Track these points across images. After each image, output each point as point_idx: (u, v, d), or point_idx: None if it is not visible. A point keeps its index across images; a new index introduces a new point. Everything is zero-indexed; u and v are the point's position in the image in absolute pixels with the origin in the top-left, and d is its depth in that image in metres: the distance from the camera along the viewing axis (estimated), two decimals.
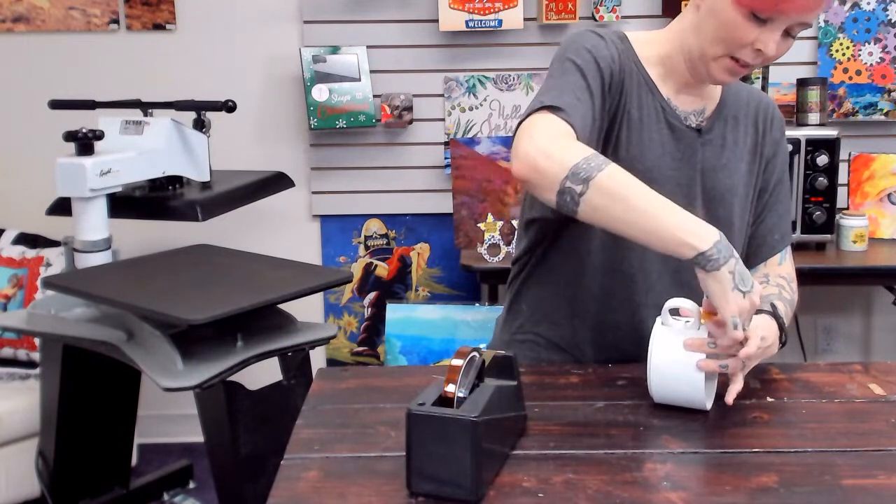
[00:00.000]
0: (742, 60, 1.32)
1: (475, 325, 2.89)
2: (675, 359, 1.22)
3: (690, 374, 1.22)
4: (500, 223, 2.81)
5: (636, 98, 1.40)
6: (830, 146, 2.69)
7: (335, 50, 3.05)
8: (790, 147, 2.68)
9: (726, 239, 1.19)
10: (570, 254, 1.45)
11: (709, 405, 1.25)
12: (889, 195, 2.93)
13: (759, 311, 1.32)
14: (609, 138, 1.38)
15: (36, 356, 2.80)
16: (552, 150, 1.21)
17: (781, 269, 1.52)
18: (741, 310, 1.18)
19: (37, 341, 2.71)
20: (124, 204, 2.41)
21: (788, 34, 1.31)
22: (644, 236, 1.19)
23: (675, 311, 1.27)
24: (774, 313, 1.34)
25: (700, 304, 1.25)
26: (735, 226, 1.46)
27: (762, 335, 1.25)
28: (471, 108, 3.11)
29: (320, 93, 3.02)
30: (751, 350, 1.21)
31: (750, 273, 1.23)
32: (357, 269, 3.24)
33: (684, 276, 1.40)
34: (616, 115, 1.38)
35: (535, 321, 1.52)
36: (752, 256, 1.53)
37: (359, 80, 3.05)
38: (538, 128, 1.24)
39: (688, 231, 1.17)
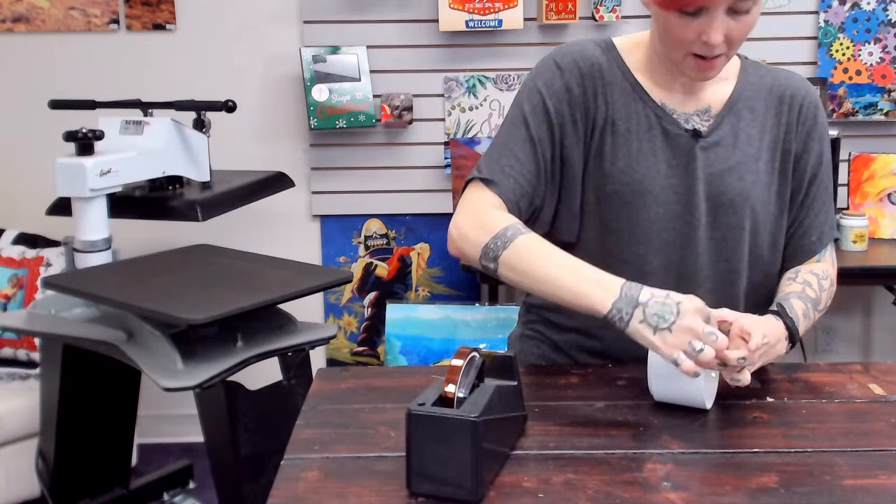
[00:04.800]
0: (702, 55, 1.28)
1: (475, 325, 2.89)
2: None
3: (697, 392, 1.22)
4: None
5: (622, 108, 1.38)
6: (830, 146, 2.68)
7: (335, 50, 3.05)
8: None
9: (630, 287, 1.20)
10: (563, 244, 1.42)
11: (709, 405, 1.25)
12: (889, 195, 2.93)
13: (767, 313, 1.31)
14: (597, 152, 1.37)
15: (36, 356, 2.80)
16: (468, 232, 1.31)
17: (817, 266, 1.44)
18: (676, 345, 1.16)
19: (37, 341, 2.71)
20: (124, 204, 2.41)
21: (735, 13, 1.24)
22: (559, 302, 1.25)
23: None
24: (780, 313, 1.32)
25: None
26: (746, 231, 1.39)
27: (764, 335, 1.23)
28: (471, 108, 3.11)
29: (320, 93, 3.02)
30: (753, 345, 1.20)
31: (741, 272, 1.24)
32: (357, 269, 3.24)
33: (682, 284, 1.38)
34: (595, 130, 1.37)
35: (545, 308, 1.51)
36: (790, 260, 1.45)
37: (359, 80, 3.05)
38: (465, 205, 1.34)
39: (588, 297, 1.21)
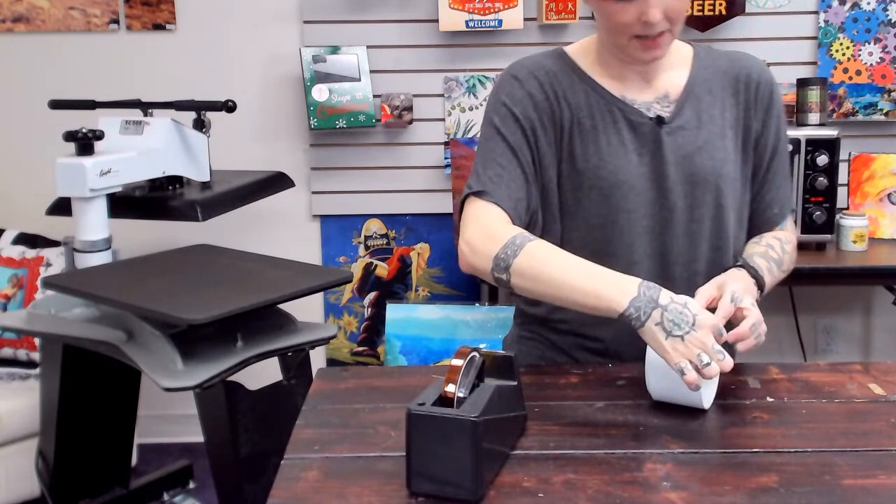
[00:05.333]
0: (645, 35, 1.33)
1: (475, 325, 2.89)
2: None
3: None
4: None
5: (585, 107, 1.42)
6: (830, 146, 2.69)
7: (335, 50, 3.05)
8: (790, 146, 2.68)
9: (649, 287, 1.21)
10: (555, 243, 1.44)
11: (707, 404, 1.25)
12: (889, 195, 2.93)
13: (731, 266, 1.38)
14: (569, 153, 1.41)
15: (36, 356, 2.80)
16: (478, 244, 1.33)
17: (778, 232, 1.52)
18: (685, 354, 1.17)
19: (37, 341, 2.71)
20: (124, 204, 2.41)
21: None
22: (572, 305, 1.27)
23: None
24: (744, 264, 1.37)
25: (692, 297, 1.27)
26: (726, 208, 1.44)
27: (734, 288, 1.27)
28: (471, 108, 3.11)
29: (320, 93, 3.02)
30: (742, 331, 1.24)
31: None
32: (357, 269, 3.24)
33: (669, 268, 1.43)
34: (563, 132, 1.41)
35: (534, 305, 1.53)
36: (754, 231, 1.52)
37: (359, 80, 3.05)
38: (469, 222, 1.37)
39: (604, 297, 1.22)
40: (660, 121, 1.42)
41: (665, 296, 1.21)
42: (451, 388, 1.04)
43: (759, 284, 1.37)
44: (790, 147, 1.61)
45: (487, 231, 1.34)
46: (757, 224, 1.52)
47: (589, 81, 1.44)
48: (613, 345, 1.46)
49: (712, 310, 1.26)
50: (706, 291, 1.29)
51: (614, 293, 1.22)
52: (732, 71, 1.47)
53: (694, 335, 1.17)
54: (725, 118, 1.45)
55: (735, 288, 1.28)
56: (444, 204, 3.13)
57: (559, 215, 1.44)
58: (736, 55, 1.50)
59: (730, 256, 1.46)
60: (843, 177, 2.90)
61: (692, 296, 1.28)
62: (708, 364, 1.16)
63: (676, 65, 1.46)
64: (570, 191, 1.42)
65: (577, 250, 1.36)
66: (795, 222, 2.69)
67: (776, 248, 1.46)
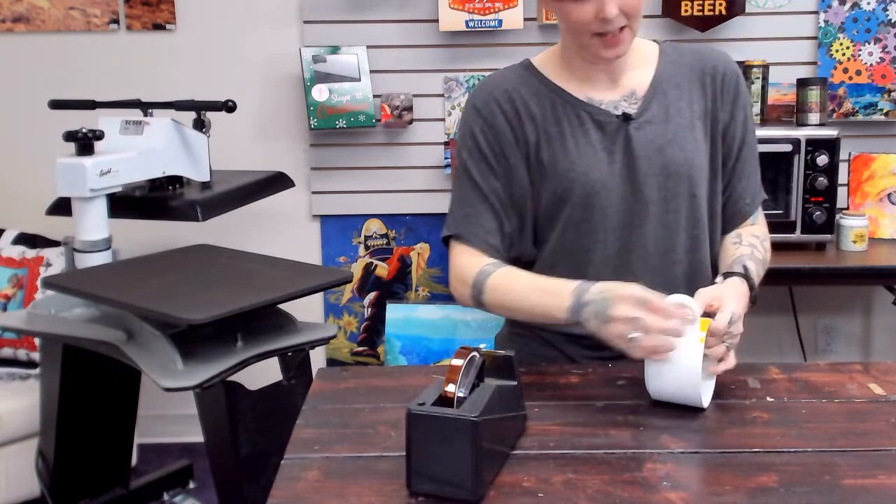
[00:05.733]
0: (605, 32, 1.36)
1: (475, 325, 2.89)
2: (673, 356, 1.22)
3: (687, 371, 1.22)
4: None
5: (551, 115, 1.46)
6: (830, 146, 2.69)
7: (335, 50, 3.05)
8: (789, 146, 2.68)
9: (579, 289, 1.31)
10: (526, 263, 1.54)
11: (706, 403, 1.25)
12: (889, 195, 2.93)
13: (730, 274, 1.39)
14: (538, 165, 1.46)
15: (36, 356, 2.80)
16: (456, 290, 1.50)
17: (754, 228, 1.54)
18: (617, 335, 1.24)
19: (37, 341, 2.71)
20: (124, 204, 2.41)
21: None
22: (538, 321, 1.41)
23: None
24: (746, 275, 1.39)
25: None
26: (700, 197, 1.47)
27: (734, 308, 1.29)
28: None
29: (320, 93, 3.02)
30: (719, 325, 1.25)
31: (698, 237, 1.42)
32: (357, 269, 3.24)
33: (647, 259, 1.47)
34: (530, 147, 1.46)
35: None
36: (728, 223, 1.55)
37: (359, 80, 3.05)
38: (450, 266, 1.51)
39: (551, 313, 1.34)
40: (626, 117, 1.45)
41: (592, 290, 1.29)
42: (451, 388, 1.04)
43: (752, 295, 1.39)
44: (789, 147, 1.61)
45: (461, 277, 1.48)
46: (730, 215, 1.54)
47: (554, 88, 1.48)
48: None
49: (710, 314, 1.27)
50: (705, 298, 1.30)
51: (555, 302, 1.33)
52: (698, 64, 1.50)
53: (612, 314, 1.24)
54: (693, 110, 1.48)
55: (735, 309, 1.29)
56: (444, 204, 3.09)
57: (539, 222, 1.50)
58: (702, 49, 1.53)
59: (706, 245, 1.50)
60: (843, 177, 2.89)
61: (670, 283, 1.39)
62: (633, 338, 1.21)
63: (642, 63, 1.49)
64: (546, 198, 1.47)
65: (557, 251, 1.47)
66: (795, 223, 2.70)
67: (759, 248, 1.49)
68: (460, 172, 1.51)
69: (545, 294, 1.36)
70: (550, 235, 1.49)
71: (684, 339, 1.23)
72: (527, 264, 1.52)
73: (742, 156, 1.52)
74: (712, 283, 1.42)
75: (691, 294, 1.31)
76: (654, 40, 1.55)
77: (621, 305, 1.24)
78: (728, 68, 1.50)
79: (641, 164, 1.44)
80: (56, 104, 2.67)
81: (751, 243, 1.49)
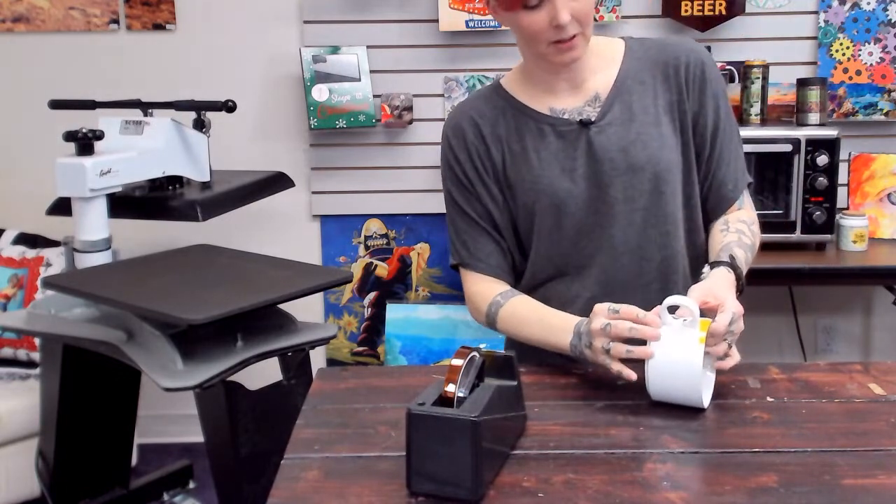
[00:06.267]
0: (560, 39, 1.39)
1: (475, 325, 2.88)
2: (673, 357, 1.22)
3: (687, 372, 1.22)
4: None
5: (515, 132, 1.51)
6: (830, 146, 2.69)
7: (335, 50, 3.05)
8: (789, 146, 2.68)
9: (580, 324, 1.36)
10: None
11: (706, 403, 1.25)
12: (889, 195, 2.93)
13: (717, 263, 1.40)
14: (507, 183, 1.51)
15: (36, 356, 2.80)
16: (474, 316, 1.58)
17: (741, 213, 1.53)
18: (598, 348, 1.29)
19: (37, 341, 2.71)
20: (124, 204, 2.41)
21: None
22: (541, 346, 1.45)
23: (673, 309, 1.27)
24: (732, 264, 1.39)
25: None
26: (666, 194, 1.47)
27: (734, 308, 1.29)
28: None
29: (320, 93, 3.02)
30: (720, 327, 1.25)
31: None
32: (357, 269, 3.24)
33: (619, 258, 1.49)
34: (497, 168, 1.51)
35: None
36: (712, 211, 1.54)
37: (359, 80, 3.05)
38: (464, 289, 1.58)
39: (559, 345, 1.40)
40: (585, 123, 1.47)
41: (584, 324, 1.34)
42: (451, 388, 1.04)
43: (740, 283, 1.40)
44: (789, 147, 1.60)
45: (474, 305, 1.57)
46: (714, 203, 1.54)
47: (518, 105, 1.52)
48: None
49: (707, 312, 1.28)
50: (698, 296, 1.31)
51: (560, 344, 1.39)
52: (662, 58, 1.50)
53: (592, 328, 1.30)
54: (658, 105, 1.48)
55: (735, 308, 1.29)
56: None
57: (520, 236, 1.55)
58: (667, 42, 1.54)
59: (679, 240, 1.50)
60: (843, 177, 2.90)
61: (644, 280, 1.46)
62: (608, 349, 1.28)
63: (605, 64, 1.51)
64: (519, 213, 1.52)
65: (538, 261, 1.53)
66: (795, 223, 2.70)
67: (746, 234, 1.49)
68: (448, 201, 1.58)
69: (549, 332, 1.42)
70: (531, 246, 1.54)
71: (684, 340, 1.23)
72: (521, 274, 1.58)
73: (717, 143, 1.51)
74: (698, 274, 1.44)
75: (670, 291, 1.32)
76: (621, 37, 1.56)
77: (595, 319, 1.29)
78: (692, 57, 1.49)
79: (605, 166, 1.46)
80: (56, 104, 2.67)
81: (738, 229, 1.49)
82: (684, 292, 1.36)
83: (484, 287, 1.54)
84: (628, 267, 1.48)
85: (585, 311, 1.38)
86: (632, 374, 1.28)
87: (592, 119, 1.48)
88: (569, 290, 1.52)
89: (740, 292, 1.39)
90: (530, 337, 1.47)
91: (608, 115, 1.48)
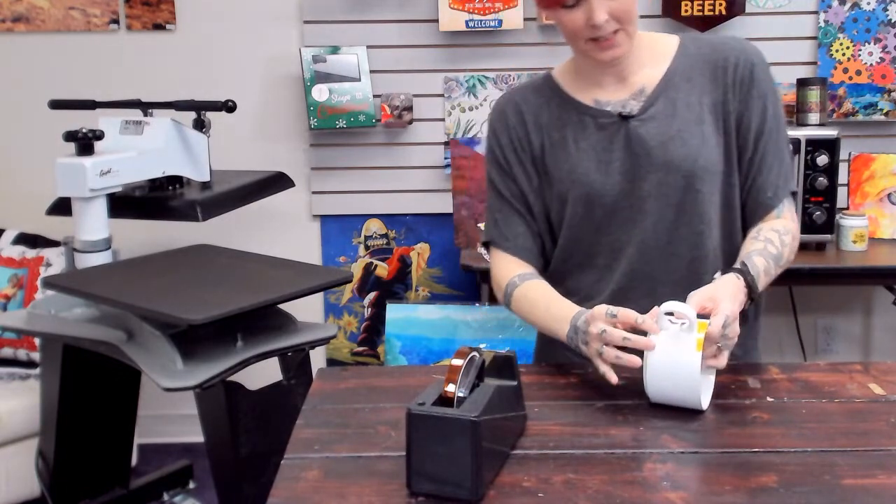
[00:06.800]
0: (598, 37, 1.40)
1: (475, 325, 2.89)
2: (670, 361, 1.22)
3: (686, 374, 1.22)
4: None
5: (556, 121, 1.53)
6: (830, 146, 2.69)
7: (335, 50, 3.05)
8: (789, 146, 2.68)
9: (577, 315, 1.37)
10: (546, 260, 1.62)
11: (705, 405, 1.25)
12: (889, 195, 2.93)
13: (729, 270, 1.38)
14: (544, 171, 1.54)
15: (36, 356, 2.80)
16: (496, 293, 1.59)
17: (777, 222, 1.49)
18: (594, 351, 1.30)
19: (37, 341, 2.71)
20: (124, 204, 2.41)
21: None
22: (545, 332, 1.48)
23: (670, 314, 1.27)
24: (743, 270, 1.37)
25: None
26: (702, 192, 1.45)
27: (728, 311, 1.27)
28: (471, 108, 3.11)
29: (320, 93, 3.02)
30: (714, 330, 1.23)
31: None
32: (357, 269, 3.24)
33: (648, 253, 1.49)
34: (535, 155, 1.54)
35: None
36: (750, 217, 1.51)
37: (359, 80, 3.05)
38: (490, 266, 1.61)
39: (557, 332, 1.42)
40: (626, 116, 1.48)
41: (581, 319, 1.35)
42: (451, 388, 1.04)
43: (751, 292, 1.37)
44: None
45: (497, 282, 1.58)
46: (752, 209, 1.51)
47: (563, 96, 1.54)
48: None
49: (704, 316, 1.27)
50: (698, 301, 1.29)
51: (560, 333, 1.41)
52: (712, 57, 1.50)
53: (589, 330, 1.30)
54: (703, 104, 1.48)
55: (728, 311, 1.27)
56: (444, 204, 3.12)
57: (552, 223, 1.57)
58: (721, 41, 1.53)
59: (714, 240, 1.49)
60: (843, 177, 2.90)
61: (672, 277, 1.45)
62: (601, 353, 1.28)
63: (656, 60, 1.51)
64: (553, 200, 1.54)
65: (570, 252, 1.54)
66: None
67: (775, 242, 1.45)
68: (487, 182, 1.61)
69: (552, 320, 1.44)
70: (560, 233, 1.55)
71: (681, 345, 1.23)
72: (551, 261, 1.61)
73: (760, 148, 1.48)
74: (711, 279, 1.42)
75: (690, 289, 1.31)
76: (679, 34, 1.55)
77: (594, 323, 1.30)
78: (741, 57, 1.48)
79: (641, 160, 1.46)
80: (56, 104, 2.67)
81: (767, 238, 1.45)
82: None
83: (507, 267, 1.56)
84: (656, 262, 1.48)
85: (611, 303, 1.36)
86: (613, 377, 1.28)
87: (634, 112, 1.47)
88: (596, 281, 1.52)
89: (751, 300, 1.36)
90: (536, 321, 1.49)
91: (650, 110, 1.48)
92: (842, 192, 2.91)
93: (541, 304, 1.48)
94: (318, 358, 3.22)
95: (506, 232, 1.57)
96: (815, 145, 2.69)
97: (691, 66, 1.49)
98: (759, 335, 1.59)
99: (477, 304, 2.86)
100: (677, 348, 1.22)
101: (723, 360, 1.27)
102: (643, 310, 1.30)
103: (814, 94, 2.80)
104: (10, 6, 3.09)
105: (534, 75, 1.63)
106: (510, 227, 1.57)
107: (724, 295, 1.31)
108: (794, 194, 1.53)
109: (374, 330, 3.26)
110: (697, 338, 1.22)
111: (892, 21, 3.02)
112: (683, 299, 1.28)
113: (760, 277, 1.40)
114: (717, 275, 1.41)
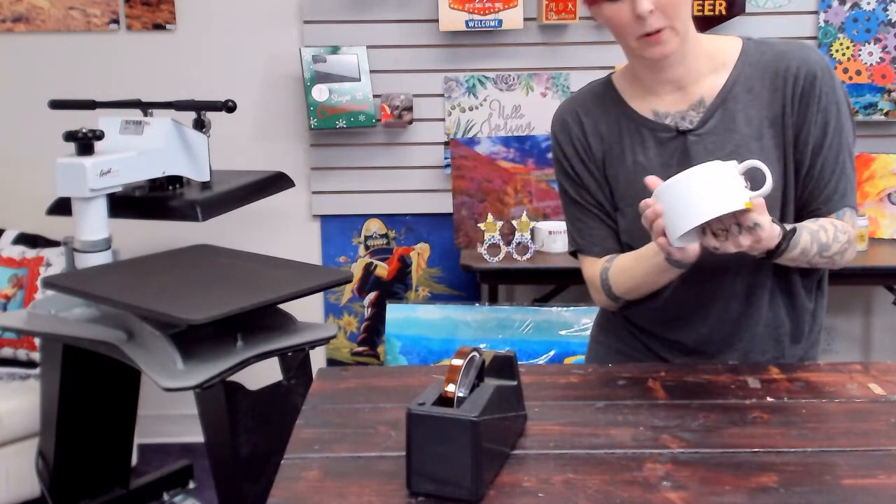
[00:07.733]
0: (645, 32, 1.36)
1: (475, 325, 2.89)
2: (715, 185, 1.22)
3: (702, 200, 1.22)
4: (499, 223, 2.81)
5: (616, 133, 1.50)
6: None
7: (335, 50, 3.05)
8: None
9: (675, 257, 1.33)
10: None
11: (679, 244, 1.26)
12: (889, 195, 2.93)
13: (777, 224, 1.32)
14: (605, 180, 1.53)
15: (36, 356, 2.80)
16: (595, 298, 1.59)
17: (838, 221, 1.43)
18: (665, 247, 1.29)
19: (37, 341, 2.71)
20: (124, 204, 2.41)
21: None
22: (653, 284, 1.46)
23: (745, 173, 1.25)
24: (784, 227, 1.32)
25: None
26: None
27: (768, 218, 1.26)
28: (471, 108, 3.11)
29: (320, 93, 3.02)
30: (745, 242, 1.25)
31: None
32: (357, 269, 3.24)
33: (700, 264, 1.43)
34: (598, 164, 1.53)
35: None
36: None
37: (359, 80, 3.05)
38: (583, 274, 1.60)
39: (654, 269, 1.41)
40: (684, 131, 1.44)
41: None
42: (451, 387, 1.04)
43: (779, 246, 1.32)
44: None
45: (592, 286, 1.58)
46: (804, 219, 1.45)
47: (622, 105, 1.50)
48: (695, 343, 1.53)
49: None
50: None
51: (653, 257, 1.39)
52: (774, 66, 1.43)
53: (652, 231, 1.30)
54: (763, 117, 1.43)
55: (769, 223, 1.26)
56: (444, 204, 3.13)
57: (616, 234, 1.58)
58: (785, 48, 1.46)
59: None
60: None
61: (726, 293, 1.47)
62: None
63: (716, 68, 1.45)
64: (614, 211, 1.54)
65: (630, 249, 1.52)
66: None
67: (829, 232, 1.40)
68: (561, 193, 1.60)
69: (642, 258, 1.43)
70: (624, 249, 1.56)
71: (733, 182, 1.22)
72: None
73: (818, 162, 1.42)
74: (768, 291, 1.48)
75: (755, 296, 1.40)
76: (741, 37, 1.49)
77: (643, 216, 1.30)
78: (803, 69, 1.41)
79: None
80: (56, 104, 2.67)
81: (822, 225, 1.40)
82: (771, 303, 1.47)
83: (596, 267, 1.56)
84: (711, 280, 1.46)
85: (671, 298, 1.45)
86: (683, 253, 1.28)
87: (692, 126, 1.44)
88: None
89: (772, 252, 1.32)
90: (634, 275, 1.46)
91: (708, 123, 1.43)
92: None
93: (632, 261, 1.47)
94: (318, 358, 3.22)
95: (591, 238, 1.56)
96: None
97: (752, 75, 1.44)
98: (820, 330, 1.68)
99: (477, 304, 2.86)
100: (718, 182, 1.22)
101: (728, 245, 1.26)
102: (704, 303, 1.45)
103: None
104: (10, 6, 3.09)
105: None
106: (594, 233, 1.56)
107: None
108: (851, 208, 1.46)
109: (374, 330, 3.26)
110: (745, 197, 1.22)
111: (892, 21, 3.02)
112: (741, 295, 1.41)
113: (798, 244, 1.35)
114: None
